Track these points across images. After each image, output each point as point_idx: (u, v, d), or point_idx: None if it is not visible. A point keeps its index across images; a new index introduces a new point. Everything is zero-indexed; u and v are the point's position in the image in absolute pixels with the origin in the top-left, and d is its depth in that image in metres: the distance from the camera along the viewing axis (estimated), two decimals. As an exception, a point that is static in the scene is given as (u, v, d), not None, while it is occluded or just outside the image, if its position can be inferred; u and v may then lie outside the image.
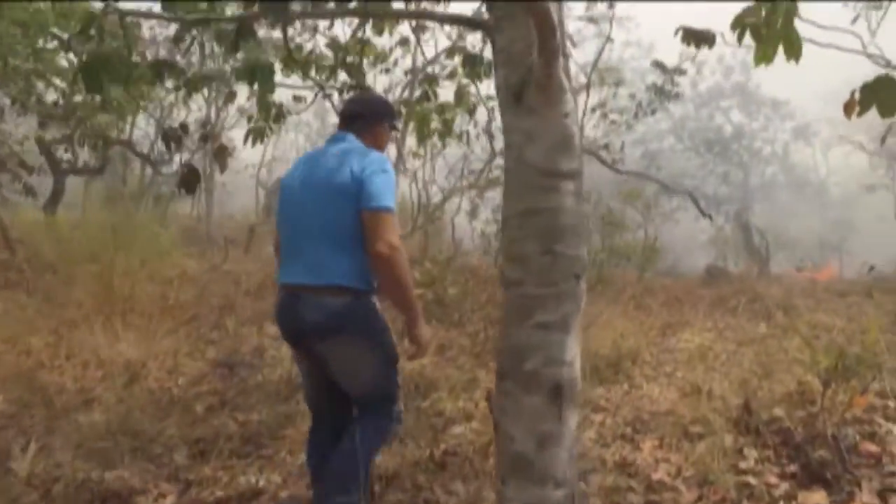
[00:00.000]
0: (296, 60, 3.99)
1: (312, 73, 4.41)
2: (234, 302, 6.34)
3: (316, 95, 4.96)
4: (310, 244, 2.05)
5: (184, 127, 3.48)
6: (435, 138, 5.05)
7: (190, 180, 2.84)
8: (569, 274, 1.77)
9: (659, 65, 6.67)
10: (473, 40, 6.43)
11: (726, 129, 14.42)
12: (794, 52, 1.53)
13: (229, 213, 16.43)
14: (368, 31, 4.19)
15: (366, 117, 2.27)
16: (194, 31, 3.71)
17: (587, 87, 6.12)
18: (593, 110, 6.95)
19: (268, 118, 3.71)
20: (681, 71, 6.76)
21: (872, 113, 1.75)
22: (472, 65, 3.53)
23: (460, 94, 4.40)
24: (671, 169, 14.85)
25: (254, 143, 3.77)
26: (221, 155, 3.89)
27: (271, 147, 16.06)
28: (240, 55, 3.06)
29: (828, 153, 16.57)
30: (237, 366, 4.52)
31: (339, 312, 2.01)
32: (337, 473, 2.07)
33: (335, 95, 4.74)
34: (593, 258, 8.02)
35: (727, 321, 7.01)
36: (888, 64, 6.85)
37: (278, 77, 2.81)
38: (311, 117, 20.08)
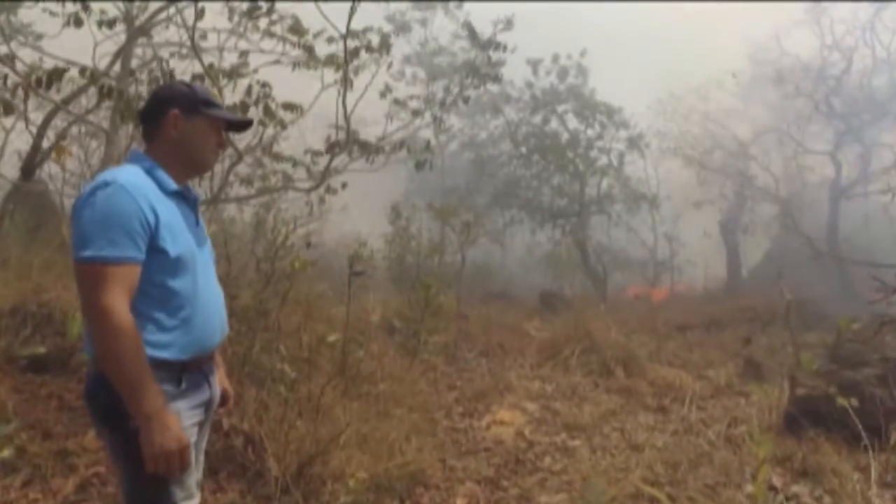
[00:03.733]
0: None
1: None
2: None
3: None
4: None
5: None
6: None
7: None
8: None
9: (468, 29, 5.00)
10: None
11: (562, 135, 13.50)
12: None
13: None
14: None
15: (147, 116, 1.72)
16: None
17: (345, 54, 4.19)
18: (382, 96, 5.06)
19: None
20: (496, 44, 5.15)
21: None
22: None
23: None
24: (505, 177, 13.69)
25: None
26: None
27: None
28: None
29: (658, 166, 16.52)
30: None
31: (87, 386, 1.65)
32: None
33: None
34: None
35: (557, 381, 5.57)
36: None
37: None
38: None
